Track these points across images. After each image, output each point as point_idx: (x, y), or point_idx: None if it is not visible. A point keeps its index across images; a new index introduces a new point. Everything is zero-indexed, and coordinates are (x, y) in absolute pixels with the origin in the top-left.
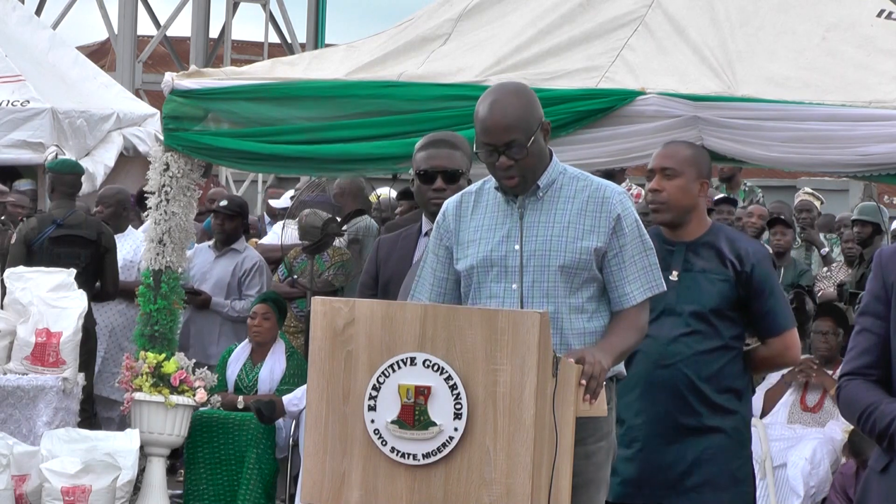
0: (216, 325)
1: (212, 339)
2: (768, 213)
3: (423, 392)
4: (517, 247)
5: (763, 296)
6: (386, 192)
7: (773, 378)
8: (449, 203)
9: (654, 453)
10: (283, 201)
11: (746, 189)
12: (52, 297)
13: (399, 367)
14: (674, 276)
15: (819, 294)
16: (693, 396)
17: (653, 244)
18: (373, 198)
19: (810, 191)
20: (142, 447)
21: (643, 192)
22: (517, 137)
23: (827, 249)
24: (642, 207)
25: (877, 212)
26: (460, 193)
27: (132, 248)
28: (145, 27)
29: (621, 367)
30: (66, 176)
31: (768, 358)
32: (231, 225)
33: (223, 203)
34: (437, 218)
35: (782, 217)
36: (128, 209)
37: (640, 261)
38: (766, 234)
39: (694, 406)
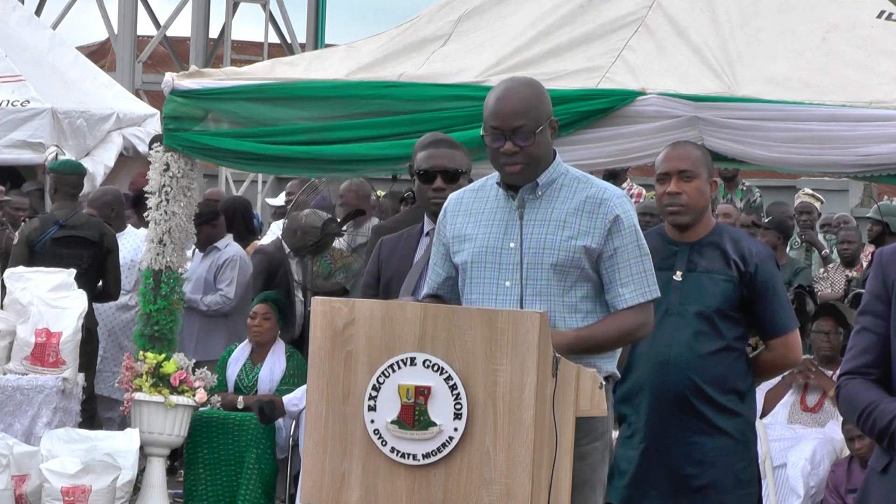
0: (195, 322)
1: (190, 336)
2: (738, 211)
3: (422, 392)
4: (512, 244)
5: (766, 296)
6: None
7: (773, 378)
8: (450, 199)
9: (659, 455)
10: (280, 200)
11: (744, 189)
12: (52, 298)
13: (399, 367)
14: (678, 276)
15: (818, 295)
16: (697, 398)
17: (650, 248)
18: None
19: (810, 192)
20: (142, 447)
21: (644, 192)
22: (525, 123)
23: (827, 251)
24: (644, 207)
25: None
26: (462, 189)
27: (132, 247)
28: (145, 27)
29: (613, 368)
30: (69, 176)
31: (771, 361)
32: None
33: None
34: (439, 214)
35: (756, 222)
36: (119, 208)
37: (636, 265)
38: None
39: (698, 408)
